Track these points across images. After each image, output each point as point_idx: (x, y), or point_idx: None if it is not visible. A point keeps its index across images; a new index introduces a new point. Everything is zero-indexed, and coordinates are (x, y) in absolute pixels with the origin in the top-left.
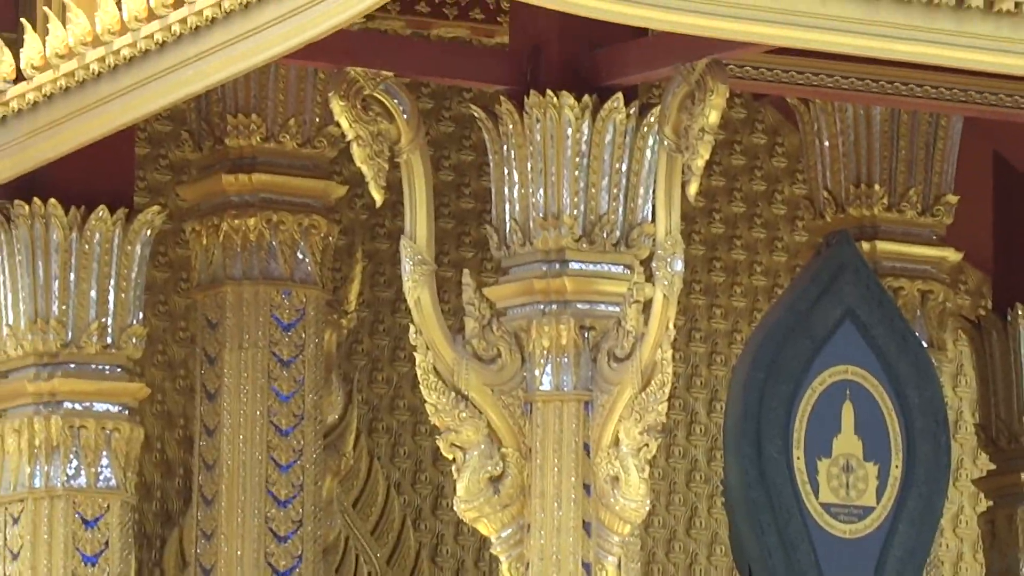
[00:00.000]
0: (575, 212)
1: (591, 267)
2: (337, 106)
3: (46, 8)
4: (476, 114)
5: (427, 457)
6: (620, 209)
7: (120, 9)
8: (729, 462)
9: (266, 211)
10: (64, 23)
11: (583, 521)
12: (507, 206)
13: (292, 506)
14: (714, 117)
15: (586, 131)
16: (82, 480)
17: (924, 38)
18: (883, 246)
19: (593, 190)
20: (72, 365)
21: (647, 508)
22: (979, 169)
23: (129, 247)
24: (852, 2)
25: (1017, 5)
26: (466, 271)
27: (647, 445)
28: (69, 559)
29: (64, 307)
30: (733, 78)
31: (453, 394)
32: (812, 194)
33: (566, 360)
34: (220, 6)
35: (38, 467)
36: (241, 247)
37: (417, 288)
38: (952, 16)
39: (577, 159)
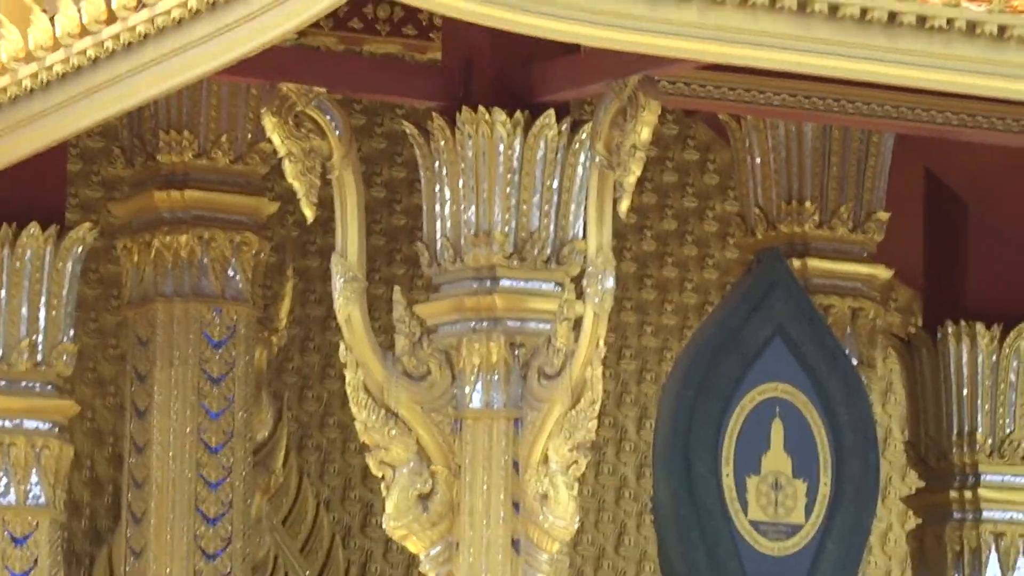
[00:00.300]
0: (506, 229)
1: (522, 284)
2: (269, 122)
3: None
4: (408, 130)
5: (357, 475)
6: (551, 226)
7: (53, 25)
8: (658, 480)
9: (198, 228)
10: None
11: (512, 539)
12: (438, 223)
13: (221, 524)
14: (646, 134)
15: (518, 147)
16: (11, 497)
17: (856, 54)
18: (814, 263)
19: (525, 207)
20: (2, 382)
21: (576, 526)
22: (910, 186)
23: (60, 264)
24: (784, 18)
25: (949, 21)
26: (397, 288)
27: (576, 462)
28: None
29: None
30: (665, 94)
31: (383, 412)
32: (744, 211)
33: (496, 377)
34: (152, 23)
35: None
36: (172, 264)
37: (348, 305)
38: (884, 32)
39: (509, 176)
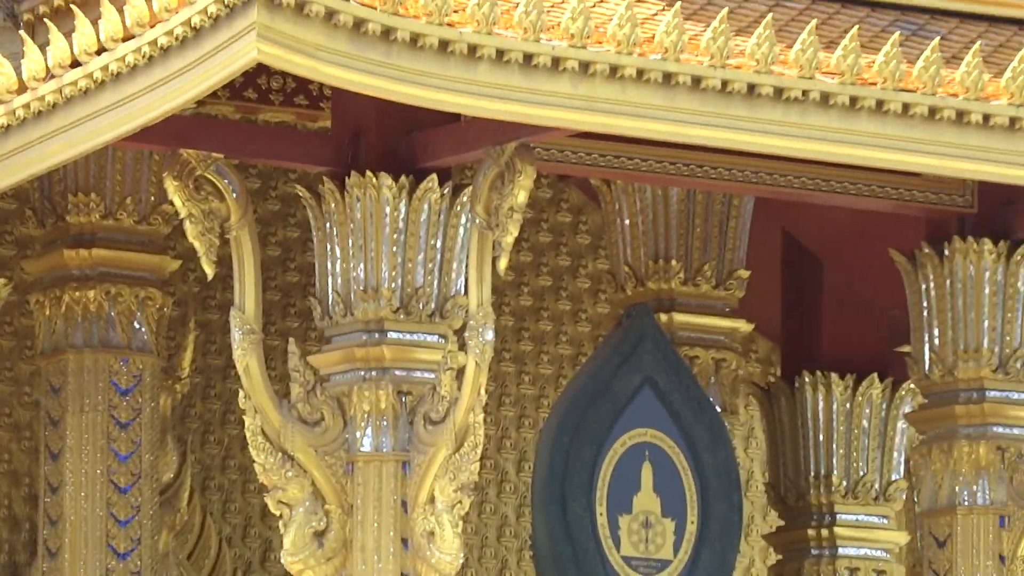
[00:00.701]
0: (393, 285)
1: (408, 336)
2: (171, 186)
3: None
4: (301, 193)
5: (256, 513)
6: (435, 282)
7: None
8: (537, 518)
9: (105, 284)
10: None
11: (401, 573)
12: (330, 279)
13: (131, 558)
14: (522, 197)
15: (403, 210)
16: None
17: (718, 123)
18: (680, 317)
19: (410, 265)
20: None
21: (460, 561)
22: (769, 246)
23: None
24: (650, 89)
25: (804, 93)
26: (292, 340)
27: (461, 502)
28: None
29: None
30: (540, 160)
31: (280, 454)
32: (614, 269)
33: (385, 423)
34: (60, 92)
35: None
36: (82, 317)
37: (246, 356)
38: (744, 103)
39: (395, 236)
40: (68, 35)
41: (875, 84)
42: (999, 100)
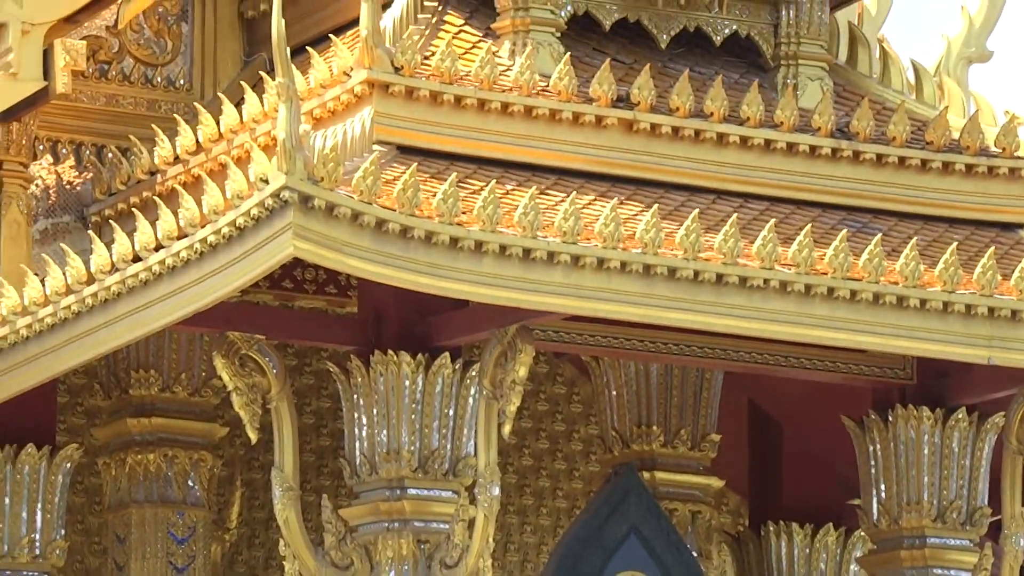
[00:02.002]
0: (412, 448)
1: (426, 492)
2: (219, 363)
3: None
4: (332, 369)
5: None
6: (448, 445)
7: (43, 285)
8: None
9: (163, 448)
10: None
11: None
12: (357, 443)
13: None
14: (523, 371)
15: (420, 383)
16: None
17: (691, 308)
18: (661, 475)
19: (427, 430)
20: (7, 573)
21: None
22: (736, 412)
23: (52, 477)
24: (632, 279)
25: (765, 281)
26: (325, 496)
27: None
28: None
29: (1, 525)
30: (538, 340)
31: None
32: (603, 433)
33: (406, 568)
34: (124, 283)
35: None
36: (143, 477)
37: (286, 509)
38: (713, 290)
39: (413, 405)
40: (130, 234)
41: (826, 274)
42: (934, 287)
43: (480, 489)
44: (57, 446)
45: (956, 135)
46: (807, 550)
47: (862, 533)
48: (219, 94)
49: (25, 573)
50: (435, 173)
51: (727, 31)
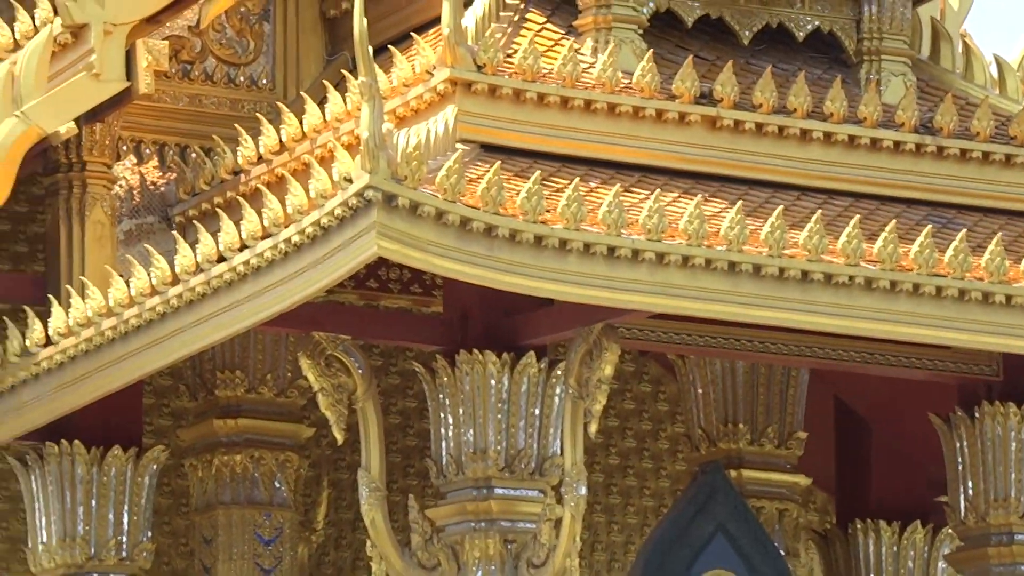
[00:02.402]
0: (498, 448)
1: (512, 492)
2: (305, 363)
3: (69, 286)
4: (417, 369)
5: None
6: (535, 445)
7: (128, 286)
8: None
9: (250, 449)
10: (83, 298)
11: None
12: (444, 443)
13: None
14: (608, 370)
15: (506, 383)
16: None
17: (776, 305)
18: (747, 473)
19: (513, 430)
20: (95, 575)
21: None
22: (823, 410)
23: (139, 479)
24: (718, 276)
25: (851, 278)
26: (411, 496)
27: None
28: None
29: (87, 528)
30: (623, 339)
31: None
32: (689, 432)
33: (493, 568)
34: (208, 283)
35: None
36: (230, 478)
37: (372, 510)
38: (799, 287)
39: (499, 405)
40: (214, 234)
41: (912, 270)
42: (1019, 283)
43: (567, 488)
44: (143, 448)
45: None
46: (895, 548)
47: (950, 530)
48: (302, 93)
49: (112, 575)
50: (519, 171)
51: (809, 27)
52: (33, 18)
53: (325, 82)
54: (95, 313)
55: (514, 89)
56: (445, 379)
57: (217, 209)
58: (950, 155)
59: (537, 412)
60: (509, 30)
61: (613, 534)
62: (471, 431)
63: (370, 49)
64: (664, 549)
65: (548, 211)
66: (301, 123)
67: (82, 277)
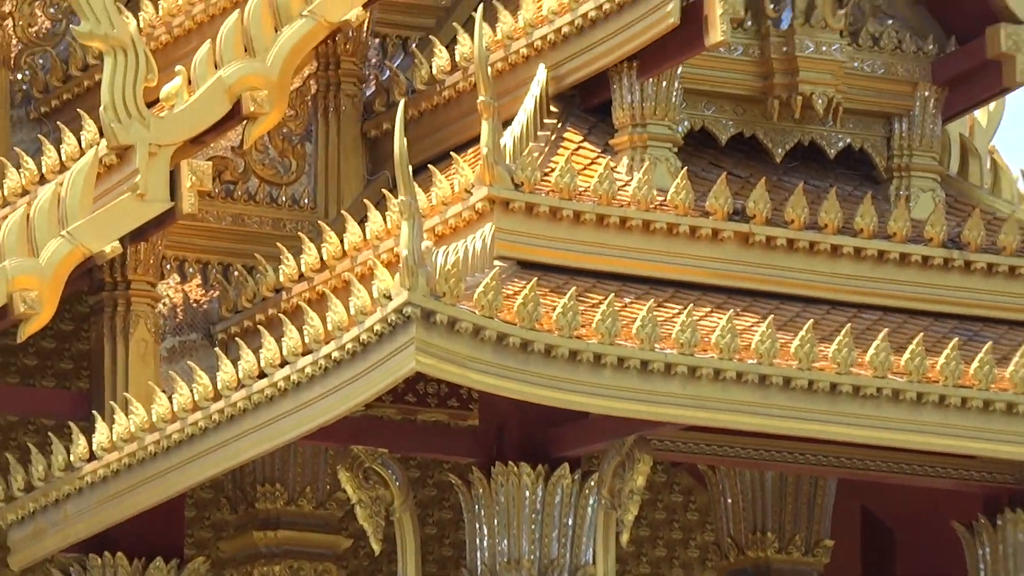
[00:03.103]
0: (532, 557)
1: None
2: (343, 476)
3: (112, 402)
4: (453, 481)
5: None
6: (567, 554)
7: (171, 402)
8: None
9: (288, 559)
10: (127, 414)
11: None
12: (479, 553)
13: None
14: (641, 481)
15: (540, 493)
16: None
17: (805, 417)
18: None
19: (546, 540)
20: None
21: None
22: (849, 518)
23: None
24: (747, 389)
25: (878, 390)
26: None
27: None
28: None
29: None
30: (655, 450)
31: None
32: (719, 540)
33: None
34: (250, 399)
35: None
36: None
37: None
38: (827, 399)
39: (533, 516)
40: (256, 351)
41: (938, 382)
42: None
43: None
44: (185, 559)
45: None
46: None
47: None
48: (343, 212)
49: None
50: (555, 287)
51: (841, 144)
52: (79, 140)
53: (366, 201)
54: (138, 428)
55: (551, 207)
56: (481, 491)
57: (259, 326)
58: (977, 269)
59: (570, 522)
60: (546, 149)
61: None
62: (506, 541)
63: (410, 168)
64: None
65: (583, 326)
66: (342, 241)
67: (125, 393)
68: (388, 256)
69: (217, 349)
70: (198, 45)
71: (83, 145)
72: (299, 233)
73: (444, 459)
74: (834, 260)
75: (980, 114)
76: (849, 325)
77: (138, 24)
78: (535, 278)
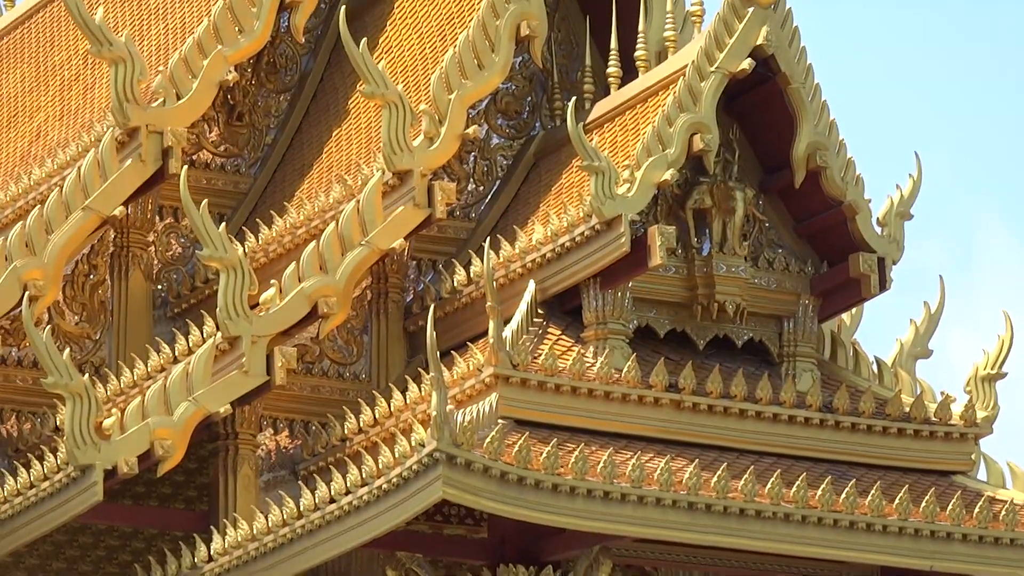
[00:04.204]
0: None
1: None
2: (391, 575)
3: (225, 520)
4: None
5: None
6: None
7: (267, 520)
8: None
9: None
10: (235, 528)
11: None
12: None
13: None
14: None
15: None
16: None
17: (722, 532)
18: None
19: None
20: None
21: None
22: None
23: None
24: (680, 512)
25: (774, 512)
26: None
27: None
28: None
29: None
30: (614, 556)
31: None
32: None
33: None
34: (323, 518)
35: None
36: None
37: None
38: (738, 520)
39: None
40: (328, 483)
41: (817, 507)
42: (892, 516)
43: None
44: None
45: (907, 409)
46: None
47: None
48: (390, 384)
49: None
50: (542, 438)
51: (746, 337)
52: (202, 332)
53: (406, 376)
54: (243, 539)
55: (539, 381)
56: None
57: (330, 465)
58: (844, 427)
59: None
60: (535, 339)
61: None
62: None
63: (438, 354)
64: None
65: (562, 466)
66: (389, 405)
67: (234, 513)
68: (422, 416)
69: (300, 482)
70: (287, 264)
71: (204, 336)
72: (358, 399)
73: (463, 561)
74: (742, 420)
75: (846, 316)
76: (752, 467)
77: (244, 250)
78: (527, 432)
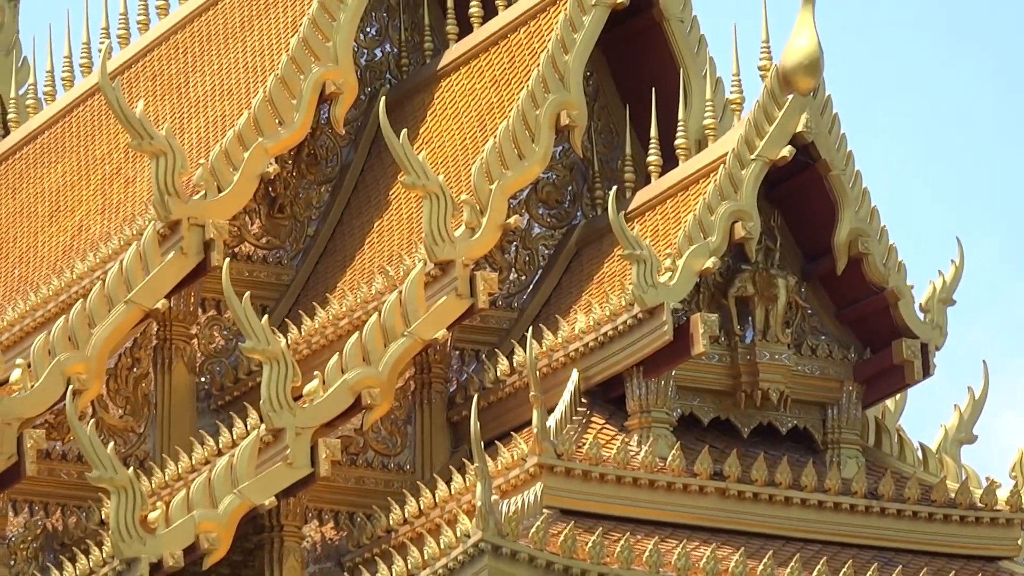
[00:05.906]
0: None
1: None
2: None
3: None
4: None
5: None
6: None
7: None
8: None
9: None
10: None
11: None
12: None
13: None
14: None
15: None
16: None
17: None
18: None
19: None
20: None
21: None
22: None
23: None
24: None
25: None
26: None
27: None
28: None
29: None
30: None
31: None
32: None
33: None
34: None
35: None
36: None
37: None
38: None
39: None
40: (373, 573)
41: None
42: None
43: None
44: None
45: (953, 495)
46: None
47: None
48: (434, 475)
49: None
50: (587, 528)
51: (790, 424)
52: (246, 424)
53: (451, 467)
54: None
55: (583, 471)
56: None
57: (376, 557)
58: (889, 514)
59: None
60: (579, 428)
61: None
62: None
63: (482, 444)
64: None
65: (608, 556)
66: (434, 496)
67: None
68: (467, 506)
69: (346, 574)
70: (330, 356)
71: (248, 428)
72: (403, 490)
73: None
74: (787, 508)
75: (890, 402)
76: (798, 554)
77: (287, 342)
78: (572, 521)
